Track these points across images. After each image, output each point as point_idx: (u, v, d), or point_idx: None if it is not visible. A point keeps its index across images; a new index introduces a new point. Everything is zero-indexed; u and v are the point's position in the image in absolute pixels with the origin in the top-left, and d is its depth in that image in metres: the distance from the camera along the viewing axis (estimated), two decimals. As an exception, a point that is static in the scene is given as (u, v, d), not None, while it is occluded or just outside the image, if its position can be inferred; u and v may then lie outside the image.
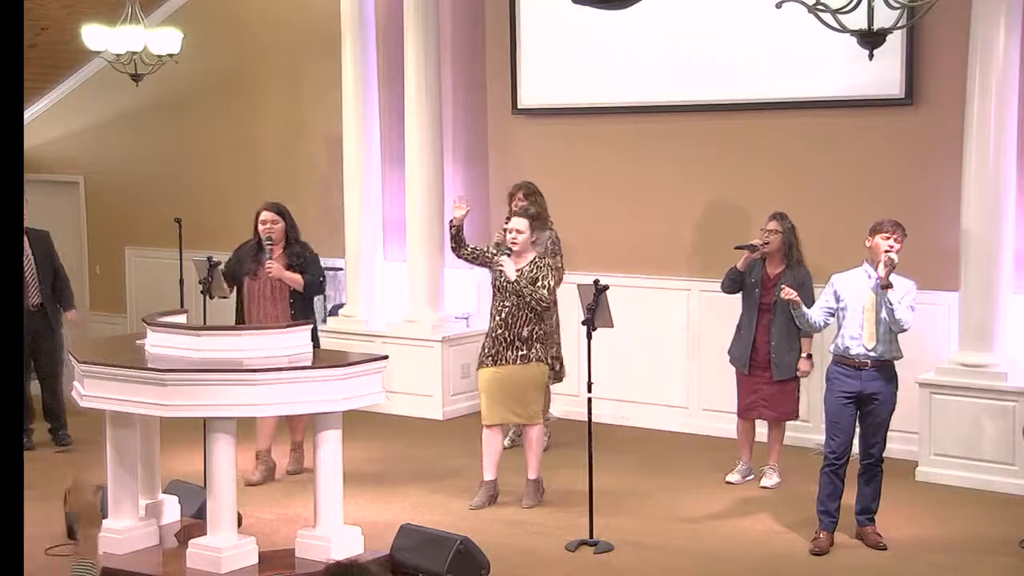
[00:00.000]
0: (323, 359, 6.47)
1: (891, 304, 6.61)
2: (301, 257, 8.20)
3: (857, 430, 6.83)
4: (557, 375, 8.88)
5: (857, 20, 5.67)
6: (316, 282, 8.32)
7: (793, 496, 7.64)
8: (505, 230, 8.86)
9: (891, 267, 6.64)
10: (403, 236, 10.35)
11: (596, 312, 6.80)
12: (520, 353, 7.41)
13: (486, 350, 7.53)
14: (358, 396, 6.32)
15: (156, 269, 11.86)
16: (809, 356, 7.77)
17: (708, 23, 9.20)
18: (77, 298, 10.01)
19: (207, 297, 7.85)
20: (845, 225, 8.65)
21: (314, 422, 6.35)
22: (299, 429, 8.35)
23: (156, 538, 6.60)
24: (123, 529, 6.47)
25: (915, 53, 8.42)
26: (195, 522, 6.81)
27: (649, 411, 9.56)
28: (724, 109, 9.25)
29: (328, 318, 10.72)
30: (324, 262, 10.86)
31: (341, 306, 10.76)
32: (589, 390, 6.91)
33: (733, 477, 8.07)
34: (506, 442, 8.43)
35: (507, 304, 7.43)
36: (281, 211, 8.19)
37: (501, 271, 7.46)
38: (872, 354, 6.67)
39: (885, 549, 6.74)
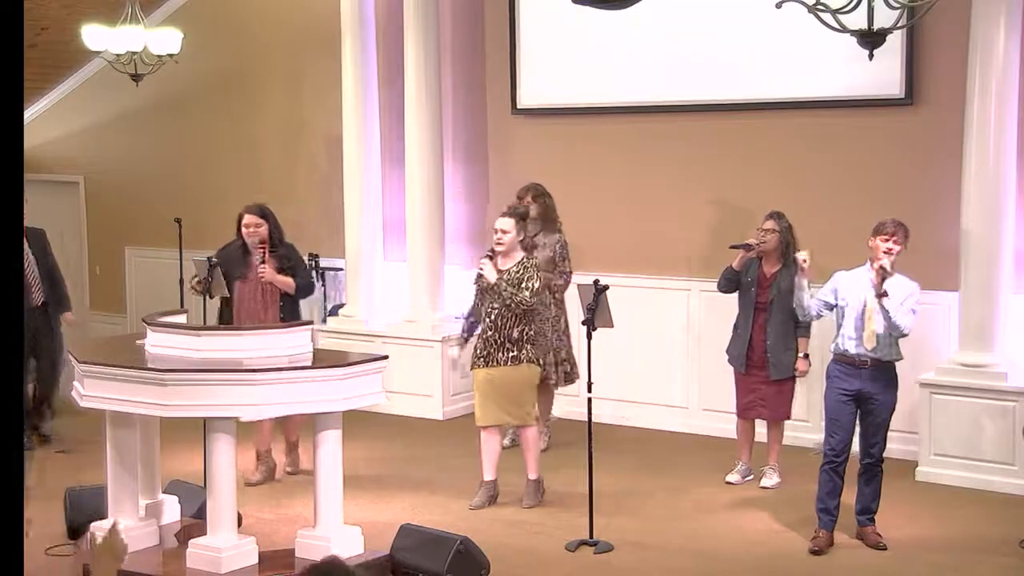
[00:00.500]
0: (323, 359, 6.47)
1: (887, 311, 6.60)
2: (289, 259, 8.18)
3: (857, 429, 6.83)
4: (568, 377, 8.89)
5: (857, 20, 5.66)
6: (308, 284, 8.33)
7: (793, 496, 7.64)
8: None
9: (883, 276, 6.63)
10: (403, 236, 10.35)
11: (596, 312, 6.81)
12: (511, 354, 7.40)
13: (478, 351, 7.53)
14: (358, 396, 6.33)
15: (156, 269, 11.87)
16: (806, 356, 7.78)
17: (708, 23, 9.20)
18: (77, 298, 10.04)
19: (207, 297, 7.84)
20: (845, 225, 8.65)
21: (314, 422, 6.35)
22: (292, 429, 8.34)
23: (156, 538, 6.61)
24: (123, 529, 6.45)
25: (915, 53, 8.42)
26: (195, 522, 6.81)
27: (649, 411, 9.56)
28: (724, 109, 9.25)
29: (328, 318, 10.72)
30: (324, 262, 10.94)
31: (341, 306, 10.76)
32: (589, 390, 6.92)
33: (733, 477, 8.07)
34: (506, 442, 8.43)
35: (495, 306, 7.42)
36: (264, 213, 8.13)
37: (480, 274, 7.46)
38: (871, 355, 6.67)
39: (885, 549, 6.74)
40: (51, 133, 12.86)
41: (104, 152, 12.68)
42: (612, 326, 6.90)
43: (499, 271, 7.44)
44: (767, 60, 9.00)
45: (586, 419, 6.95)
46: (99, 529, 6.18)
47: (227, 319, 8.08)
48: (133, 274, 12.61)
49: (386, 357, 6.61)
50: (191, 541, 6.28)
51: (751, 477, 8.06)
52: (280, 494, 7.97)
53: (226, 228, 8.25)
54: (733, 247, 7.90)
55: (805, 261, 6.91)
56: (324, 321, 10.68)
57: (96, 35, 10.35)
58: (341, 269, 10.88)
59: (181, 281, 9.34)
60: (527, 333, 7.43)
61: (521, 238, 7.50)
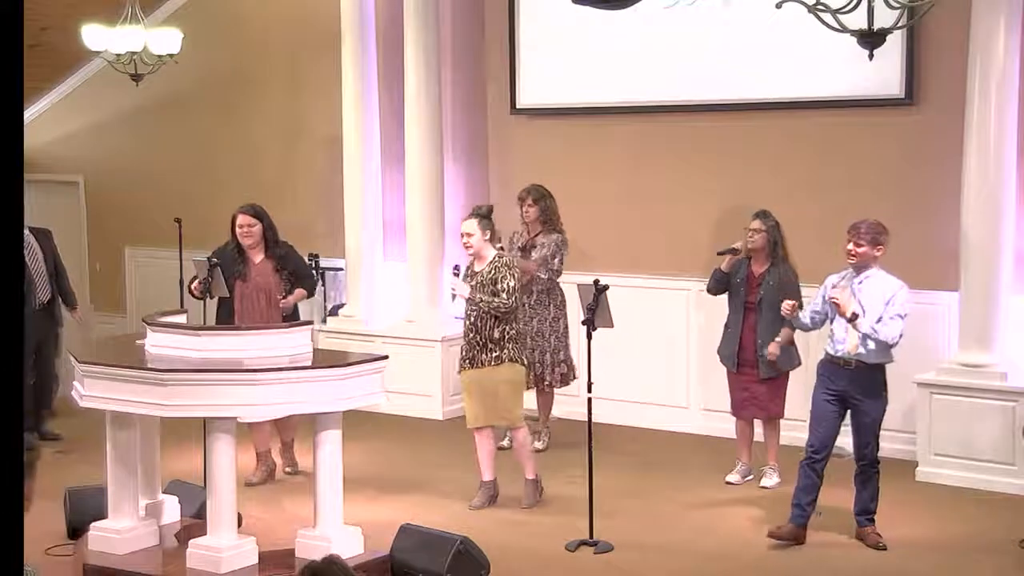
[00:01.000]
0: (323, 359, 6.47)
1: (865, 334, 6.58)
2: (287, 259, 8.18)
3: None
4: (565, 378, 8.90)
5: (857, 20, 5.67)
6: (313, 285, 8.50)
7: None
8: (514, 235, 8.88)
9: (838, 308, 6.59)
10: (403, 236, 10.35)
11: (596, 312, 6.81)
12: (493, 355, 7.39)
13: (463, 353, 7.54)
14: (358, 396, 6.33)
15: (156, 269, 11.86)
16: (778, 342, 7.69)
17: (708, 23, 9.20)
18: (77, 298, 10.02)
19: (207, 297, 7.83)
20: (845, 225, 8.63)
21: (314, 422, 6.35)
22: (288, 430, 8.34)
23: (156, 538, 6.61)
24: (123, 529, 6.47)
25: (915, 53, 8.42)
26: (195, 522, 6.81)
27: (649, 411, 9.56)
28: (724, 109, 9.25)
29: (328, 318, 10.72)
30: (324, 262, 10.93)
31: (341, 306, 10.75)
32: (589, 390, 6.92)
33: (733, 477, 8.08)
34: (504, 443, 8.43)
35: (474, 309, 7.42)
36: (258, 213, 8.12)
37: (452, 289, 7.42)
38: (856, 357, 6.67)
39: (885, 549, 6.74)
40: (51, 133, 12.85)
41: (104, 152, 12.68)
42: (612, 326, 6.90)
43: (474, 273, 7.44)
44: (767, 60, 9.00)
45: (586, 419, 6.95)
46: None
47: (225, 320, 8.07)
48: (133, 274, 12.61)
49: (386, 357, 6.61)
50: (191, 541, 6.28)
51: (751, 477, 8.06)
52: (280, 494, 7.97)
53: (226, 228, 8.24)
54: (720, 253, 7.92)
55: (787, 310, 6.91)
56: (324, 321, 10.68)
57: (96, 35, 10.35)
58: (341, 269, 10.88)
59: (181, 281, 9.33)
60: (508, 332, 7.42)
61: (488, 236, 7.44)
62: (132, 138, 12.45)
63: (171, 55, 10.54)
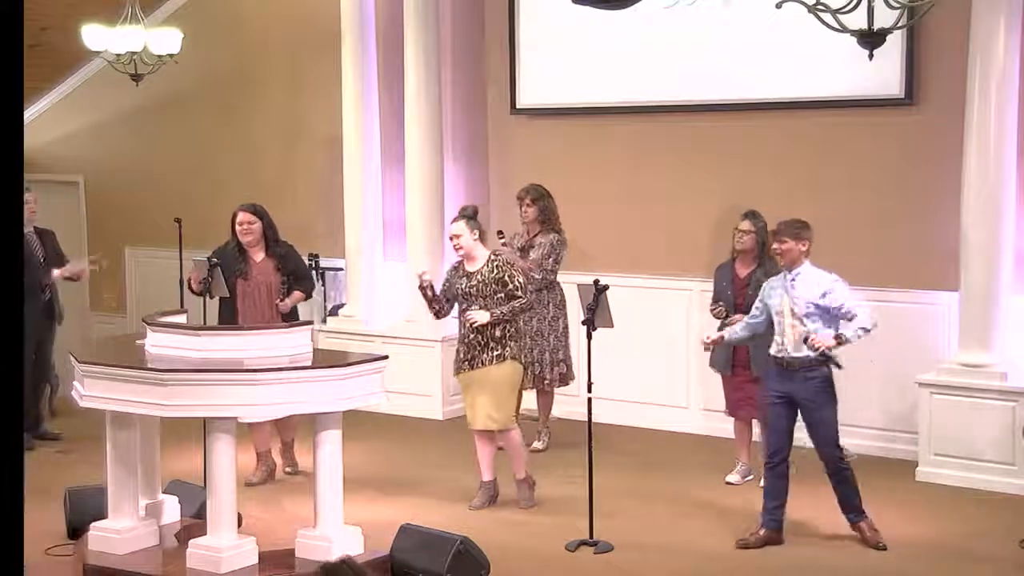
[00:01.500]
0: (323, 359, 6.47)
1: (852, 340, 6.53)
2: (287, 259, 8.18)
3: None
4: (564, 379, 8.90)
5: (857, 20, 5.67)
6: (311, 287, 8.50)
7: (792, 496, 7.62)
8: (500, 236, 8.87)
9: (810, 345, 6.55)
10: (403, 236, 10.35)
11: (596, 312, 6.81)
12: (495, 353, 7.38)
13: (461, 355, 7.49)
14: (358, 396, 6.33)
15: (156, 269, 11.86)
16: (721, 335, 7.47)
17: (708, 23, 9.20)
18: (77, 298, 10.04)
19: (207, 297, 7.84)
20: (845, 225, 8.66)
21: (314, 422, 6.35)
22: (288, 430, 8.34)
23: (156, 538, 6.60)
24: (123, 529, 6.47)
25: (915, 53, 8.42)
26: (195, 522, 6.81)
27: (649, 411, 9.56)
28: (724, 109, 9.25)
29: (328, 318, 10.72)
30: (324, 262, 10.93)
31: (341, 306, 10.76)
32: (589, 390, 6.92)
33: (733, 478, 8.08)
34: (502, 443, 8.42)
35: (476, 309, 7.40)
36: (258, 211, 8.13)
37: (472, 320, 7.33)
38: (796, 356, 6.65)
39: (885, 549, 6.73)
40: (51, 133, 12.85)
41: (104, 152, 12.68)
42: (612, 326, 6.90)
43: (468, 273, 7.43)
44: (767, 60, 8.99)
45: (586, 419, 6.95)
46: None
47: (227, 319, 8.07)
48: (133, 274, 12.61)
49: (386, 357, 6.60)
50: (191, 541, 6.28)
51: (751, 477, 8.06)
52: (280, 494, 7.97)
53: (226, 228, 8.24)
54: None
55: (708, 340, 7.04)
56: (324, 321, 10.68)
57: (96, 35, 10.34)
58: (341, 269, 10.88)
59: (181, 281, 9.34)
60: (509, 331, 7.42)
61: (476, 236, 7.43)
62: (132, 138, 12.45)
63: (171, 55, 10.54)
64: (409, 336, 10.07)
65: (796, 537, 6.95)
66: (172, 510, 6.94)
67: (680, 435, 9.34)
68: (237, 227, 8.07)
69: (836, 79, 8.67)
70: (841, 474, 6.79)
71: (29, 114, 12.68)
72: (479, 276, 7.39)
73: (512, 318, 7.38)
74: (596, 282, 6.84)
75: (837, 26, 5.67)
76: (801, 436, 6.95)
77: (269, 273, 8.10)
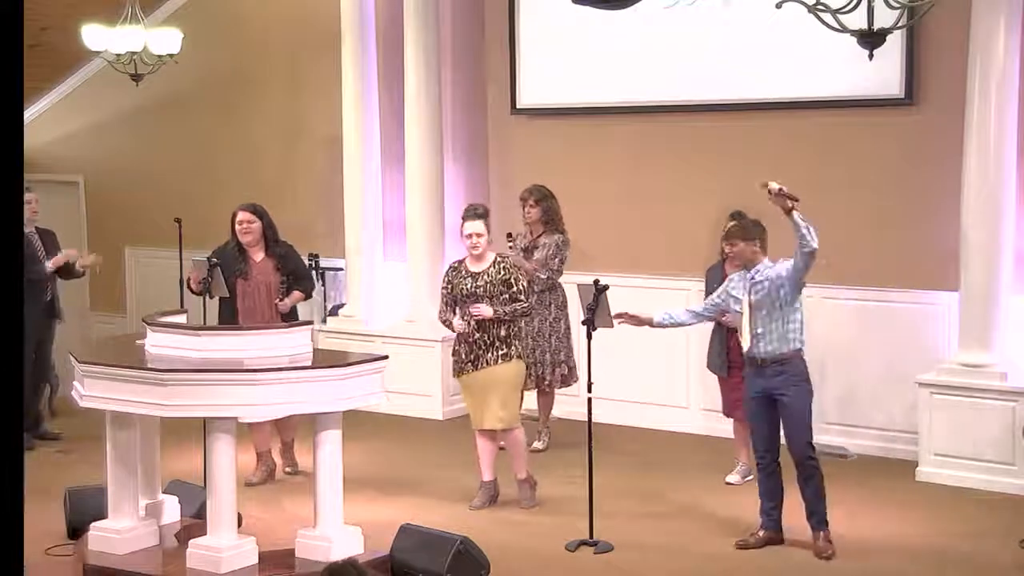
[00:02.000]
0: (323, 359, 6.47)
1: (800, 221, 6.41)
2: (286, 258, 8.18)
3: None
4: (566, 379, 8.90)
5: (857, 20, 5.67)
6: (311, 287, 8.50)
7: (792, 496, 7.62)
8: (510, 239, 8.86)
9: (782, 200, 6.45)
10: (403, 236, 10.35)
11: (596, 312, 6.81)
12: (500, 353, 7.39)
13: (463, 356, 7.48)
14: (358, 396, 6.33)
15: (156, 269, 11.86)
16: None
17: (708, 23, 9.20)
18: (77, 298, 10.02)
19: (207, 297, 7.84)
20: (845, 225, 8.65)
21: (314, 422, 6.35)
22: (288, 430, 8.34)
23: (156, 538, 6.60)
24: (123, 529, 6.47)
25: (915, 53, 8.42)
26: (195, 522, 6.81)
27: (649, 411, 9.56)
28: (724, 109, 9.25)
29: (328, 318, 10.72)
30: (324, 262, 10.93)
31: (341, 306, 10.76)
32: (589, 390, 6.92)
33: (733, 478, 8.08)
34: (504, 443, 8.42)
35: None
36: (258, 211, 8.14)
37: (477, 312, 7.34)
38: (764, 352, 6.63)
39: (830, 559, 6.60)
40: (51, 133, 12.85)
41: (104, 152, 12.68)
42: (612, 326, 6.90)
43: (473, 273, 7.43)
44: (767, 60, 9.00)
45: (586, 419, 6.95)
46: None
47: (227, 319, 8.07)
48: (133, 274, 12.61)
49: (386, 357, 6.60)
50: (191, 541, 6.28)
51: (751, 477, 8.05)
52: (280, 494, 7.97)
53: (226, 228, 8.25)
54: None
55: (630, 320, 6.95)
56: (324, 321, 10.68)
57: (96, 35, 10.34)
58: (341, 269, 10.88)
59: (181, 281, 9.34)
60: (512, 330, 7.43)
61: (489, 236, 7.47)
62: (132, 138, 12.45)
63: (171, 55, 10.54)
64: (409, 336, 10.07)
65: (796, 537, 6.94)
66: (172, 510, 6.94)
67: (680, 435, 9.34)
68: (237, 227, 8.08)
69: (836, 79, 8.68)
70: (809, 472, 6.67)
71: (29, 114, 12.68)
72: (486, 276, 7.40)
73: (512, 320, 7.39)
74: (596, 282, 6.84)
75: (837, 26, 5.67)
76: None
77: (269, 273, 8.10)
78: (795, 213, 6.42)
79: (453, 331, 7.51)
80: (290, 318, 8.00)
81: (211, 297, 7.87)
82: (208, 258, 7.88)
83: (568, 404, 9.18)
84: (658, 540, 7.01)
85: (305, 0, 11.14)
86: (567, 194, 9.19)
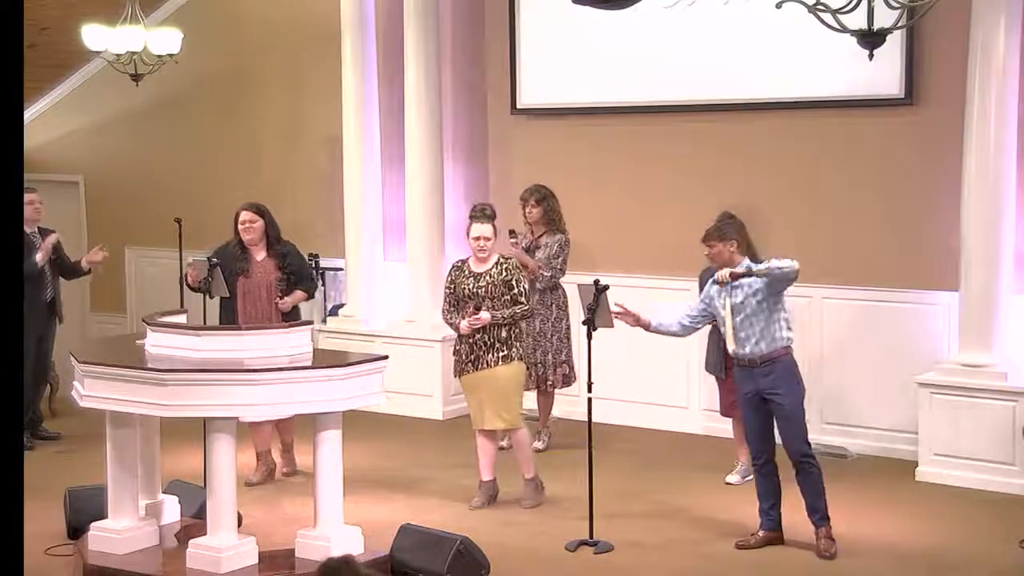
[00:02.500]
0: (323, 359, 6.47)
1: (764, 275, 6.45)
2: (288, 257, 8.18)
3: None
4: (566, 380, 8.90)
5: (857, 20, 5.67)
6: (313, 287, 8.50)
7: (792, 496, 7.62)
8: (512, 235, 8.85)
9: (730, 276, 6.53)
10: (403, 236, 10.35)
11: (596, 312, 6.81)
12: (501, 354, 7.39)
13: (464, 356, 7.48)
14: (358, 396, 6.33)
15: (156, 269, 11.86)
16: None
17: (708, 23, 9.20)
18: (77, 297, 10.02)
19: (207, 297, 7.84)
20: (845, 225, 8.66)
21: (314, 422, 6.35)
22: (288, 430, 8.34)
23: (156, 538, 6.61)
24: (123, 529, 6.47)
25: (915, 53, 8.42)
26: (195, 522, 6.82)
27: (649, 411, 9.56)
28: (724, 109, 9.25)
29: (328, 318, 10.72)
30: (324, 262, 10.93)
31: (341, 306, 10.76)
32: (589, 390, 6.92)
33: (733, 478, 8.08)
34: (504, 442, 8.42)
35: (483, 308, 7.40)
36: (260, 210, 8.15)
37: (477, 320, 7.34)
38: (750, 352, 6.62)
39: (832, 558, 6.62)
40: (51, 133, 12.85)
41: (104, 152, 12.68)
42: (612, 326, 6.90)
43: (476, 274, 7.43)
44: (767, 60, 8.99)
45: (586, 419, 6.95)
46: None
47: (228, 318, 8.08)
48: (133, 274, 12.61)
49: (386, 357, 6.60)
50: (191, 541, 6.28)
51: (751, 477, 8.03)
52: (280, 494, 7.97)
53: (226, 228, 8.25)
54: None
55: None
56: (324, 321, 10.68)
57: (96, 35, 10.34)
58: (341, 269, 10.88)
59: (181, 281, 9.34)
60: (514, 331, 7.44)
61: (496, 238, 7.47)
62: (132, 138, 12.45)
63: (171, 55, 10.54)
64: (409, 336, 10.08)
65: (797, 537, 6.94)
66: (172, 510, 6.94)
67: (680, 435, 9.34)
68: (239, 225, 8.10)
69: (836, 79, 8.67)
70: (806, 471, 6.68)
71: (29, 114, 12.68)
72: (488, 277, 7.40)
73: (511, 323, 7.39)
74: (596, 282, 6.84)
75: (837, 26, 5.67)
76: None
77: (270, 272, 8.11)
78: (751, 277, 6.47)
79: (459, 332, 7.50)
80: (291, 318, 8.00)
81: (211, 297, 7.87)
82: (208, 258, 7.88)
83: (568, 404, 9.18)
84: (658, 540, 7.01)
85: (305, 0, 11.14)
86: (567, 194, 9.19)
